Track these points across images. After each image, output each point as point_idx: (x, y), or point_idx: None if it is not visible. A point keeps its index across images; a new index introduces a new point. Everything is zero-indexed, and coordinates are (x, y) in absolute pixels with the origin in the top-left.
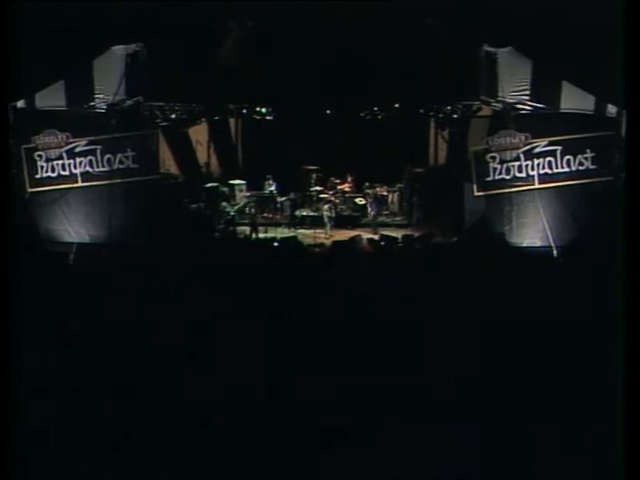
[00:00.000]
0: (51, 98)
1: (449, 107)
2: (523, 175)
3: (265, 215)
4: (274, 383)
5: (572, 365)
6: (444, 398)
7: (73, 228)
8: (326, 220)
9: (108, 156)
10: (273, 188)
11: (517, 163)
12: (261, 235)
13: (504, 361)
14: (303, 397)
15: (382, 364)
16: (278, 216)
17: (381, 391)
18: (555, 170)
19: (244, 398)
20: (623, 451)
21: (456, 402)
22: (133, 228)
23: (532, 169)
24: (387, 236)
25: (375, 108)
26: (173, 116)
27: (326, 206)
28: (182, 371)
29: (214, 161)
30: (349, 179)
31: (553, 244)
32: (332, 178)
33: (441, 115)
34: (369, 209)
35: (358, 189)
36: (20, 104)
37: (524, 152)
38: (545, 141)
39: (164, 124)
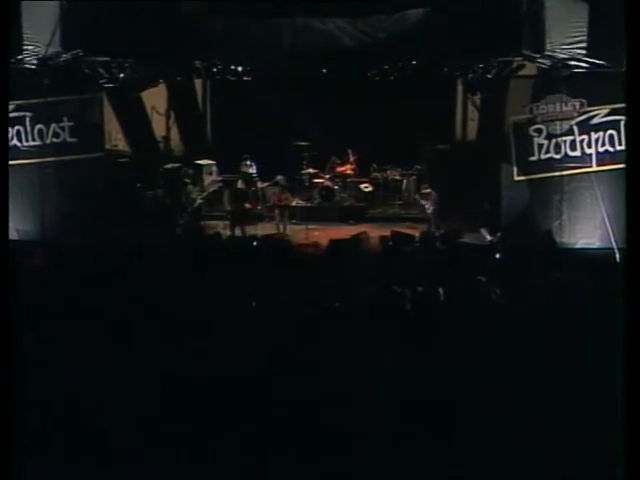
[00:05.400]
0: None
1: (482, 65)
2: (577, 154)
3: (242, 205)
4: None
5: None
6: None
7: None
8: (321, 212)
9: (39, 126)
10: (252, 170)
11: (569, 138)
12: (236, 232)
13: (556, 389)
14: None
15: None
16: (259, 207)
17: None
18: (618, 147)
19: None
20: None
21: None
22: (72, 221)
23: (589, 146)
24: (400, 234)
25: (386, 66)
26: (122, 75)
27: (322, 194)
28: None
29: (175, 135)
30: (351, 159)
31: (615, 245)
32: (329, 158)
33: (471, 75)
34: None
35: (363, 172)
36: None
37: (578, 124)
38: (605, 109)
39: (110, 86)
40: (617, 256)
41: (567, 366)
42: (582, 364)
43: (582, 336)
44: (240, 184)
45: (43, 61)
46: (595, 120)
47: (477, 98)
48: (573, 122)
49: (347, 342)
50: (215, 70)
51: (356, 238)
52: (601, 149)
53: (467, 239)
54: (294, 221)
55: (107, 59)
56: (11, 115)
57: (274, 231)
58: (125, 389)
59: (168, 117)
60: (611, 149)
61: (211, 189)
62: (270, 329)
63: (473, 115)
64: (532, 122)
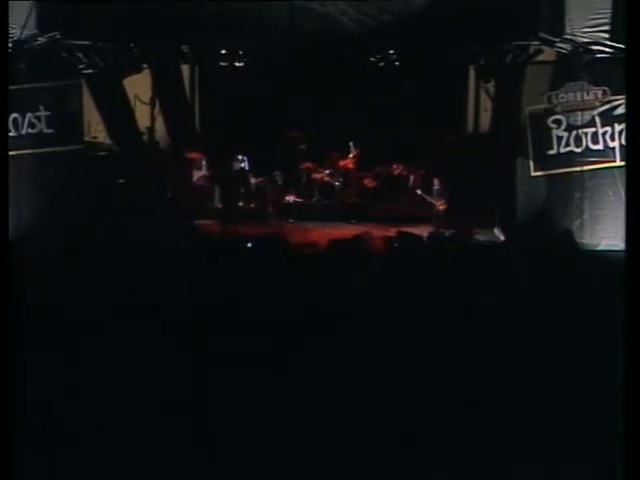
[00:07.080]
0: None
1: (496, 50)
2: (599, 147)
3: (234, 203)
4: None
5: None
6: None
7: None
8: (320, 210)
9: (14, 116)
10: (245, 165)
11: (591, 130)
12: (228, 232)
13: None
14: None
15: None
16: (252, 205)
17: None
18: None
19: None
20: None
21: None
22: (49, 219)
23: (612, 138)
24: (406, 234)
25: (391, 52)
26: (102, 61)
27: (321, 191)
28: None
29: (160, 126)
30: (353, 153)
31: None
32: (329, 151)
33: (484, 61)
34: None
35: (366, 167)
36: None
37: (601, 114)
38: None
39: (90, 72)
40: None
41: (583, 368)
42: (600, 367)
43: (603, 340)
44: (232, 180)
45: (18, 44)
46: (619, 110)
47: (490, 86)
48: (595, 112)
49: (347, 346)
50: (204, 55)
51: (358, 238)
52: (625, 142)
53: (479, 239)
54: (291, 220)
55: (87, 43)
56: None
57: (269, 231)
58: (112, 387)
59: (153, 106)
60: None
61: (200, 185)
62: (265, 334)
63: (486, 105)
64: (550, 112)
